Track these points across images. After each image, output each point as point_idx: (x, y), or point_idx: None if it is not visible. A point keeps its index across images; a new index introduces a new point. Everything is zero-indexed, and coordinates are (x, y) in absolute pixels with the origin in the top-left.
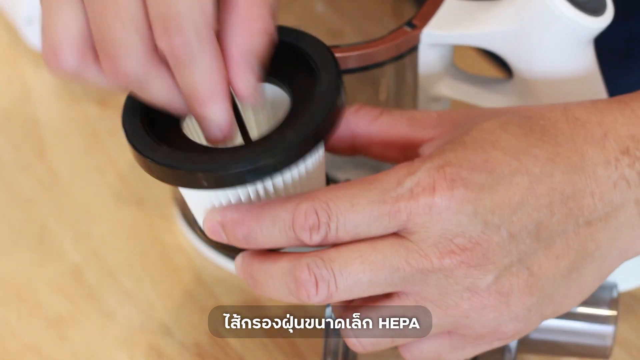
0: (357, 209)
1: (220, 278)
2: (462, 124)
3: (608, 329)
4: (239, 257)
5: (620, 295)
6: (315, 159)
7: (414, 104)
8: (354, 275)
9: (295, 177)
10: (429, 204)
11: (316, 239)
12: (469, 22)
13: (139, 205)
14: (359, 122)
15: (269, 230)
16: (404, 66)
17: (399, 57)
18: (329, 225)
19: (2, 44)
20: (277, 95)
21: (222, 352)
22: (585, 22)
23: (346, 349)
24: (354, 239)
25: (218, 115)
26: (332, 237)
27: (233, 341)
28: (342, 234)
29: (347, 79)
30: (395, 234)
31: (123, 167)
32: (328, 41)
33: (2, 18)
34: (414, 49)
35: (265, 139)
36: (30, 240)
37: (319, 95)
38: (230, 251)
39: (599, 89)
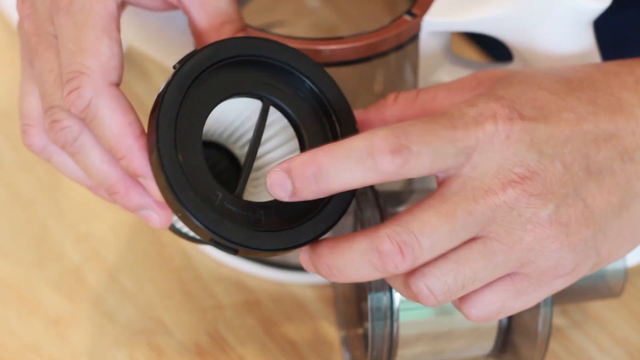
0: (432, 138)
1: (220, 278)
2: (505, 77)
3: (619, 265)
4: (304, 252)
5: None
6: None
7: None
8: (434, 231)
9: None
10: (492, 131)
11: (398, 162)
12: (469, 8)
13: None
14: (399, 109)
15: (344, 164)
16: (405, 55)
17: (400, 47)
18: (410, 150)
19: (2, 44)
20: (277, 120)
21: (222, 352)
22: (586, 3)
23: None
24: (432, 167)
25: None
26: (412, 164)
27: (233, 341)
28: (423, 158)
29: (347, 71)
30: (459, 176)
31: None
32: (323, 36)
33: (2, 18)
34: (414, 38)
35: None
36: (30, 240)
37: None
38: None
39: None
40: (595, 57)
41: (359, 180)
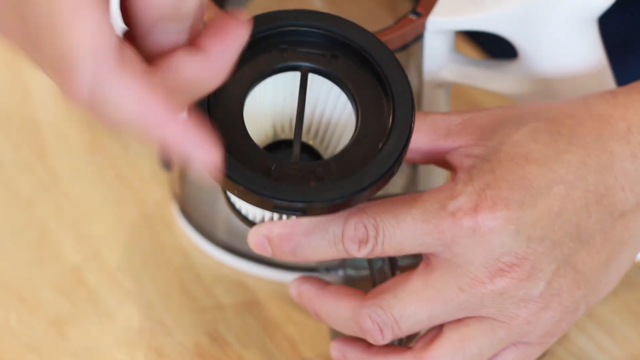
0: (402, 225)
1: (220, 278)
2: (490, 132)
3: None
4: (294, 284)
5: None
6: None
7: (418, 92)
8: (413, 316)
9: None
10: (472, 227)
11: (364, 251)
12: (474, 6)
13: (139, 205)
14: None
15: (318, 243)
16: (410, 55)
17: (404, 47)
18: (376, 239)
19: (2, 44)
20: (340, 99)
21: (222, 352)
22: None
23: None
24: (399, 253)
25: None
26: (378, 251)
27: (233, 341)
28: (388, 247)
29: None
30: (443, 260)
31: (123, 167)
32: None
33: None
34: (419, 37)
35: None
36: (30, 240)
37: (394, 135)
38: (231, 250)
39: (605, 68)
40: (600, 54)
41: (333, 256)
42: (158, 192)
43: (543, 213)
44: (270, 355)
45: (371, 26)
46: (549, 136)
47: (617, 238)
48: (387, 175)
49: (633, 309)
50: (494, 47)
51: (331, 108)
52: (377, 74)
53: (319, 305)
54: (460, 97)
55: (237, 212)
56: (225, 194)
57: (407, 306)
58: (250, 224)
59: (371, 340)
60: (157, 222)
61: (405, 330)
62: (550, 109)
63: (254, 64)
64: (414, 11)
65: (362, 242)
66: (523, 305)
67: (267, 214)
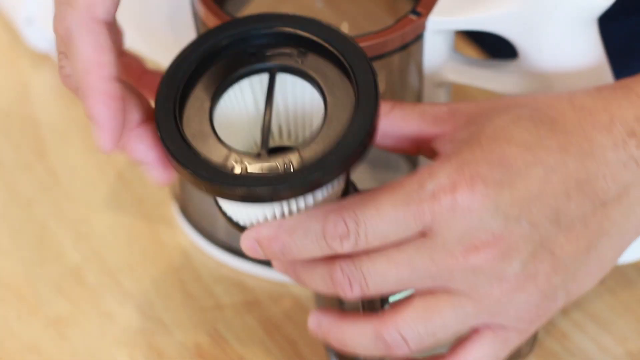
0: (383, 213)
1: (220, 278)
2: (475, 118)
3: None
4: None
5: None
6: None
7: (419, 92)
8: (381, 275)
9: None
10: (451, 204)
11: (347, 246)
12: (474, 6)
13: (139, 205)
14: None
15: (302, 242)
16: (409, 55)
17: (404, 46)
18: (357, 232)
19: (2, 44)
20: (306, 91)
21: (222, 352)
22: None
23: None
24: (383, 243)
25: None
26: (362, 244)
27: (233, 341)
28: (372, 239)
29: None
30: (422, 235)
31: (123, 167)
32: None
33: (2, 18)
34: (419, 37)
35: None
36: (30, 240)
37: (358, 116)
38: (230, 249)
39: (605, 68)
40: (600, 54)
41: (318, 254)
42: (158, 192)
43: (522, 193)
44: (270, 355)
45: (371, 26)
46: (530, 123)
47: (598, 227)
48: (352, 157)
49: (633, 309)
50: (494, 47)
51: (302, 103)
52: (343, 66)
53: (300, 265)
54: (460, 97)
55: (229, 220)
56: (216, 202)
57: (376, 264)
58: (242, 229)
59: (341, 294)
60: (157, 222)
61: (372, 287)
62: (536, 101)
63: (224, 71)
64: (414, 11)
65: (343, 237)
66: (496, 284)
67: (254, 218)
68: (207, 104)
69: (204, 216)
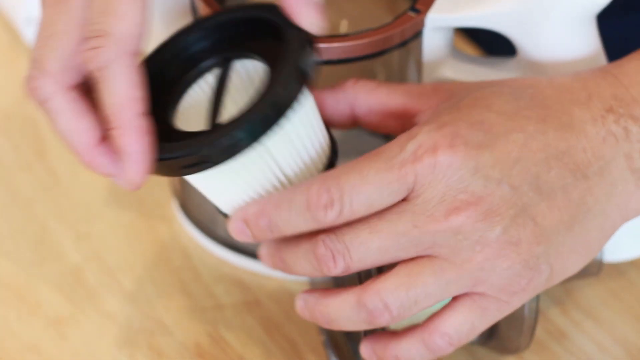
0: (367, 180)
1: (220, 278)
2: (457, 92)
3: None
4: (264, 247)
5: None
6: (300, 120)
7: None
8: (364, 245)
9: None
10: (432, 162)
11: (332, 215)
12: (473, 3)
13: (139, 205)
14: (357, 93)
15: (287, 215)
16: (409, 52)
17: (403, 43)
18: (342, 201)
19: (2, 44)
20: (259, 71)
21: (222, 352)
22: None
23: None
24: (369, 211)
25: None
26: (347, 212)
27: (233, 341)
28: (357, 206)
29: (350, 68)
30: (403, 200)
31: None
32: (324, 35)
33: (2, 18)
34: (418, 34)
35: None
36: (30, 240)
37: (283, 76)
38: (229, 245)
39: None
40: (598, 51)
41: (305, 228)
42: (158, 191)
43: (501, 156)
44: (270, 355)
45: (370, 23)
46: (510, 96)
47: (580, 200)
48: (277, 110)
49: (633, 309)
50: (492, 44)
51: (258, 81)
52: (280, 37)
53: (285, 249)
54: None
55: (219, 211)
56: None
57: (359, 234)
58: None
59: (325, 270)
60: (157, 222)
61: (355, 258)
62: (515, 81)
63: (181, 78)
64: (413, 8)
65: (328, 206)
66: (478, 249)
67: (240, 202)
68: (171, 107)
69: (204, 213)
